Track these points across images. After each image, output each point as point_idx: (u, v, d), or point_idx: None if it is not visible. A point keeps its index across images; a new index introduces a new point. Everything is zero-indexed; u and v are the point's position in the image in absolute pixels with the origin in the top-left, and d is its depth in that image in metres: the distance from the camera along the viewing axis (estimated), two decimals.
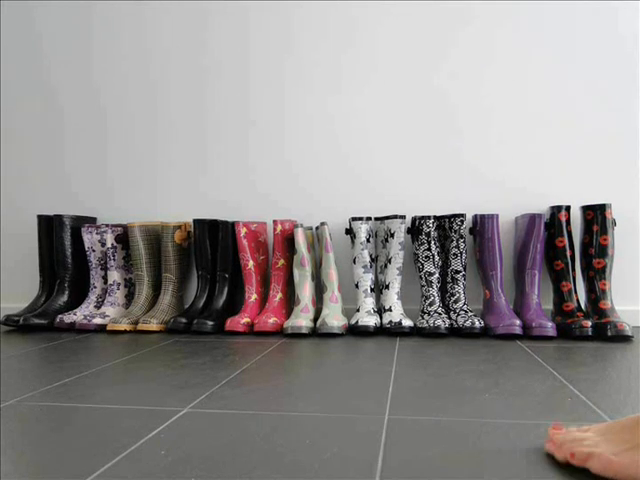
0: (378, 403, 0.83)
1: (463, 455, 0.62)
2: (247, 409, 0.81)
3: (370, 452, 0.64)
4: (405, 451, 0.64)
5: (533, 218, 1.48)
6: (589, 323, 1.35)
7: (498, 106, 1.63)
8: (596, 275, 1.45)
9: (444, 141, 1.66)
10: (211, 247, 1.64)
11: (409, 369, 1.05)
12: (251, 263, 1.60)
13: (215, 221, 1.67)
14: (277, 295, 1.57)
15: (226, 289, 1.62)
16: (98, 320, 1.56)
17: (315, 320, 1.56)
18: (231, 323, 1.49)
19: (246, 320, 1.51)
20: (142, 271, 1.66)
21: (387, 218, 1.55)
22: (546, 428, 0.71)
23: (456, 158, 1.65)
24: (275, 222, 1.59)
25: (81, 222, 1.76)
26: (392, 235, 1.53)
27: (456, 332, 1.43)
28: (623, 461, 0.52)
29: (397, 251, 1.53)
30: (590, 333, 1.34)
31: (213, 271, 1.65)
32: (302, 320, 1.45)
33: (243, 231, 1.59)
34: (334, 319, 1.45)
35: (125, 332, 1.53)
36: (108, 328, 1.52)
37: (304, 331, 1.43)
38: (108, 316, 1.59)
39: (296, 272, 1.57)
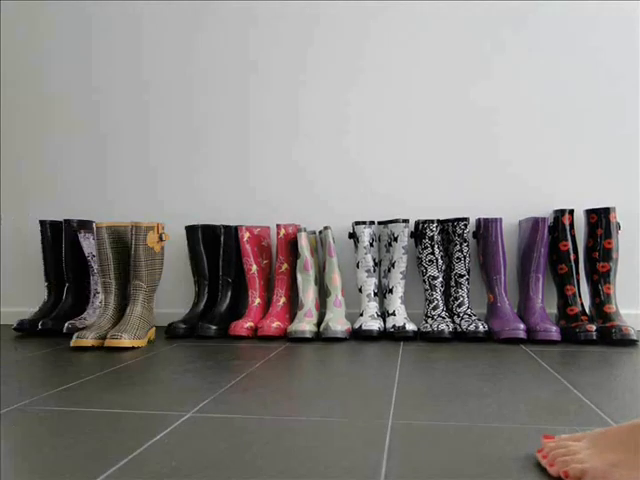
0: (382, 407, 0.83)
1: (467, 460, 0.62)
2: (251, 414, 0.80)
3: (374, 456, 0.63)
4: (409, 456, 0.63)
5: (537, 222, 1.47)
6: (594, 327, 1.34)
7: (501, 110, 1.63)
8: (600, 279, 1.44)
9: (447, 145, 1.66)
10: (208, 252, 1.64)
11: (413, 373, 1.05)
12: (254, 267, 1.59)
13: (211, 226, 1.68)
14: (280, 299, 1.57)
15: (229, 293, 1.62)
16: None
17: (318, 324, 1.56)
18: (235, 327, 1.49)
19: (250, 324, 1.51)
20: (110, 278, 1.50)
21: (390, 222, 1.55)
22: (550, 433, 0.70)
23: (459, 162, 1.65)
24: (278, 226, 1.59)
25: (85, 226, 1.76)
26: (395, 239, 1.53)
27: (460, 336, 1.42)
28: (616, 476, 0.51)
29: (400, 255, 1.52)
30: (595, 337, 1.33)
31: (212, 276, 1.65)
32: (306, 324, 1.44)
33: (246, 235, 1.59)
34: (338, 323, 1.44)
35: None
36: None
37: (307, 335, 1.43)
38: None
39: (299, 276, 1.56)
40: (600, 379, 0.99)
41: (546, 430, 0.71)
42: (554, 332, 1.34)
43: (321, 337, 1.44)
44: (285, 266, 1.59)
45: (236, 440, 0.69)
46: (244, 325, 1.50)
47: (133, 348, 1.38)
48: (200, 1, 1.79)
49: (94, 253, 1.69)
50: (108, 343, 1.35)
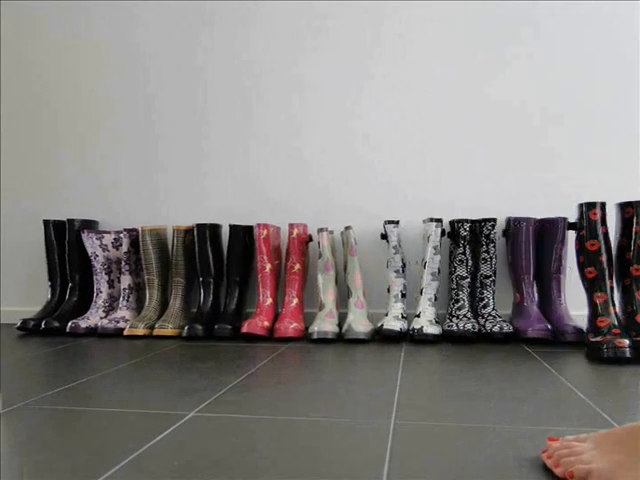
0: (384, 408, 0.81)
1: (471, 461, 0.60)
2: (253, 413, 0.79)
3: (376, 457, 0.62)
4: (411, 457, 0.62)
5: (557, 221, 1.44)
6: (626, 342, 1.14)
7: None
8: (633, 284, 1.33)
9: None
10: (210, 252, 1.62)
11: (417, 374, 1.02)
12: (268, 266, 1.55)
13: (215, 225, 1.65)
14: (293, 300, 1.52)
15: (237, 293, 1.59)
16: (121, 324, 1.55)
17: (338, 325, 1.52)
18: (249, 325, 1.42)
19: (266, 324, 1.45)
20: (153, 275, 1.63)
21: (425, 221, 1.52)
22: (553, 435, 0.68)
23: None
24: (291, 226, 1.55)
25: (88, 226, 1.76)
26: (427, 238, 1.49)
27: (484, 337, 1.39)
28: (621, 477, 0.51)
29: (432, 255, 1.48)
30: (629, 355, 1.11)
31: (217, 276, 1.62)
32: (329, 325, 1.41)
33: (264, 233, 1.54)
34: (360, 325, 1.41)
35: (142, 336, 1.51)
36: (126, 333, 1.49)
37: (330, 336, 1.39)
38: (128, 320, 1.58)
39: (320, 277, 1.53)
40: (604, 382, 0.96)
41: (550, 431, 0.70)
42: (570, 334, 1.32)
43: (343, 338, 1.40)
44: (297, 266, 1.54)
45: (239, 440, 0.68)
46: (260, 324, 1.43)
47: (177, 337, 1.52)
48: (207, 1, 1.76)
49: (97, 253, 1.67)
50: (157, 332, 1.49)
